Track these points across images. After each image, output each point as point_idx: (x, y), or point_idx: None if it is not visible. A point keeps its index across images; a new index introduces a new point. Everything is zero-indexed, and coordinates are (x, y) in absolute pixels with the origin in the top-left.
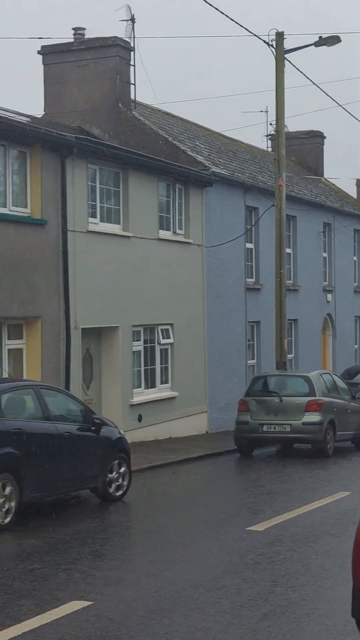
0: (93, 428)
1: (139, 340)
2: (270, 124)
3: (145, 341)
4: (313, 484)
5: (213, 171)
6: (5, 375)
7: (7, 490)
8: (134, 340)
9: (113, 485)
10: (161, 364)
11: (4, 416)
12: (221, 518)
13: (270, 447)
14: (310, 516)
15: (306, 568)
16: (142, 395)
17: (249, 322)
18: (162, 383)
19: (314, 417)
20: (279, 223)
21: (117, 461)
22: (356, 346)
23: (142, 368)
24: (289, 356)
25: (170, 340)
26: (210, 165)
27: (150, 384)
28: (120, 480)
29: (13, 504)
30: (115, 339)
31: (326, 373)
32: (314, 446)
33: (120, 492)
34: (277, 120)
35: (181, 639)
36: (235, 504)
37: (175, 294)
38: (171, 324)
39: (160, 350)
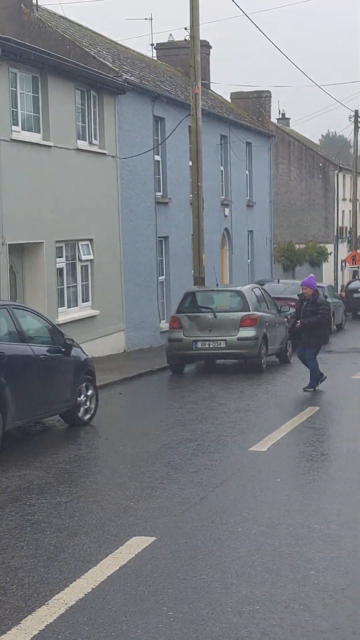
0: (63, 349)
1: (62, 257)
2: (170, 33)
3: (66, 258)
4: (276, 400)
5: (125, 78)
6: None
7: None
8: (57, 257)
9: (82, 409)
10: (82, 281)
11: None
12: (214, 438)
13: (192, 364)
14: (300, 434)
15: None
16: (67, 314)
17: (158, 237)
18: (83, 301)
19: (248, 332)
20: (195, 133)
21: (84, 384)
22: (249, 260)
23: (65, 286)
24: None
25: (90, 257)
26: (121, 72)
27: (73, 302)
28: (88, 403)
29: None
30: (40, 255)
31: (256, 287)
32: (248, 361)
33: (88, 416)
34: (191, 26)
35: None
36: (212, 423)
37: (94, 208)
38: (91, 240)
39: (81, 267)
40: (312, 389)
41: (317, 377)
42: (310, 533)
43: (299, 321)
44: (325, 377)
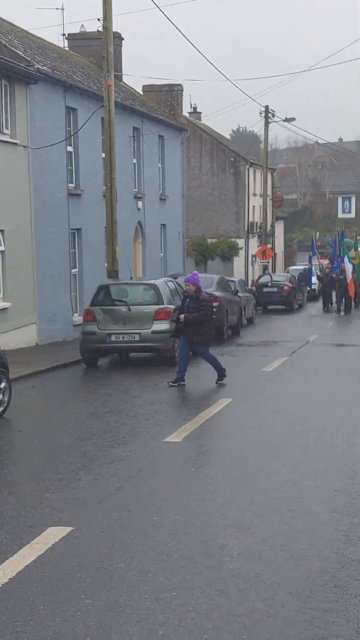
0: None
1: None
2: (82, 24)
3: None
4: (189, 392)
5: (37, 68)
6: None
7: None
8: None
9: None
10: None
11: None
12: (129, 430)
13: (105, 357)
14: (214, 425)
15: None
16: None
17: (71, 229)
18: None
19: (162, 326)
20: (109, 125)
21: None
22: (162, 254)
23: None
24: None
25: (2, 248)
26: (32, 62)
27: None
28: (1, 396)
29: None
30: None
31: (170, 280)
32: (161, 354)
33: (1, 409)
34: (104, 17)
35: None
36: (127, 415)
37: (4, 199)
38: (2, 230)
39: None
40: (222, 380)
41: (220, 367)
42: (224, 521)
43: (182, 315)
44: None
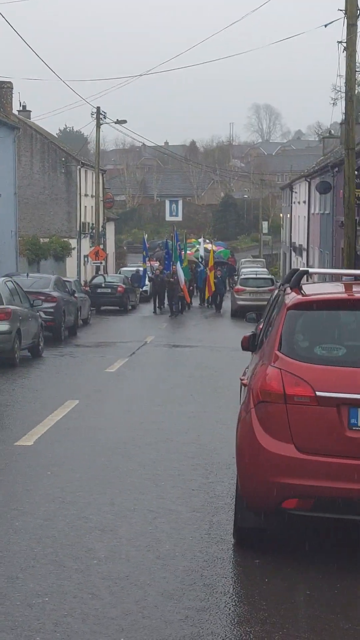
0: None
1: None
2: None
3: None
4: (34, 394)
5: None
6: None
7: None
8: None
9: None
10: None
11: None
12: None
13: None
14: (64, 426)
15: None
16: None
17: None
18: None
19: (2, 327)
20: None
21: None
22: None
23: None
24: None
25: None
26: None
27: None
28: None
29: None
30: None
31: (9, 280)
32: (1, 356)
33: None
34: None
35: None
36: None
37: None
38: None
39: None
40: None
41: None
42: (87, 524)
43: None
44: None
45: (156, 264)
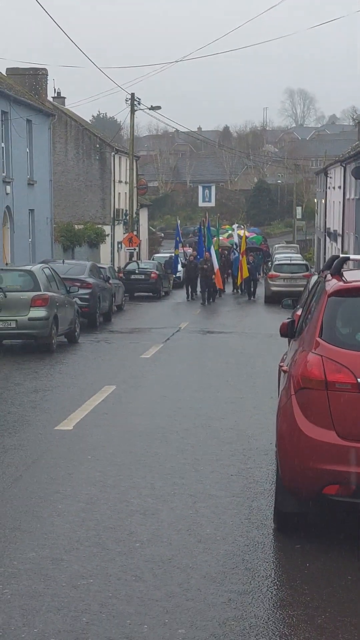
0: None
1: None
2: None
3: None
4: (72, 380)
5: None
6: None
7: None
8: None
9: None
10: None
11: None
12: (17, 419)
13: None
14: (102, 411)
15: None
16: None
17: None
18: None
19: (40, 313)
20: None
21: None
22: (30, 239)
23: None
24: None
25: None
26: None
27: None
28: None
29: None
30: None
31: (46, 267)
32: (38, 342)
33: None
34: None
35: None
36: (13, 404)
37: None
38: None
39: None
40: None
41: None
42: (129, 507)
43: None
44: None
45: (189, 250)
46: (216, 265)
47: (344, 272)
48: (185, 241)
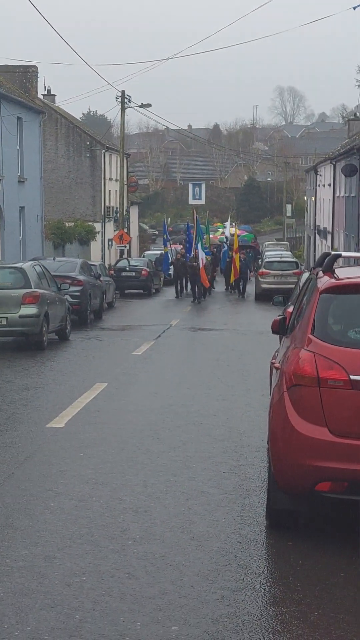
0: None
1: None
2: None
3: None
4: (63, 377)
5: None
6: None
7: None
8: None
9: None
10: None
11: None
12: (8, 416)
13: None
14: (94, 408)
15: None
16: None
17: None
18: None
19: (30, 310)
20: None
21: None
22: (20, 237)
23: None
24: None
25: None
26: None
27: None
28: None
29: None
30: None
31: (37, 264)
32: (29, 339)
33: None
34: None
35: None
36: (3, 401)
37: None
38: None
39: None
40: None
41: None
42: (122, 505)
43: None
44: None
45: (179, 247)
46: (201, 264)
47: (336, 270)
48: (175, 239)
